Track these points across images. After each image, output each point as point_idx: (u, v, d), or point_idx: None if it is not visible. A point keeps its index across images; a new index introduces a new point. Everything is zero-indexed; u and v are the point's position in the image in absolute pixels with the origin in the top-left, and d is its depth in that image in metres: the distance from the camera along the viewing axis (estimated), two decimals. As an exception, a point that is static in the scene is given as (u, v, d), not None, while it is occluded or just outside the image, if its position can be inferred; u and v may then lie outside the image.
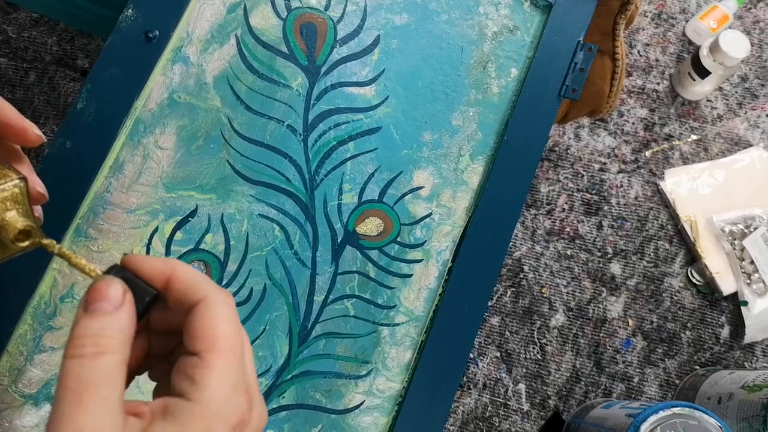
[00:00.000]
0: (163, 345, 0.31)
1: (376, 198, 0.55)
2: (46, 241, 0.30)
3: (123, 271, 0.29)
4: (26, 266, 0.47)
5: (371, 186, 0.55)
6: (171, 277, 0.29)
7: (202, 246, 0.51)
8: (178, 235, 0.51)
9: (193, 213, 0.51)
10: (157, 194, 0.51)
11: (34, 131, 0.32)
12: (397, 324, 0.54)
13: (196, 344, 0.27)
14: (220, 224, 0.51)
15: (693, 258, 0.85)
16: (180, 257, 0.50)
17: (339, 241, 0.54)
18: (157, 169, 0.51)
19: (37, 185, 0.32)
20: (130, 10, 0.50)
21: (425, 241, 0.56)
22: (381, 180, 0.55)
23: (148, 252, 0.50)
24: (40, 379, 0.47)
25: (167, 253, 0.50)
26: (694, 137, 0.89)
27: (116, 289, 0.27)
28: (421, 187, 0.56)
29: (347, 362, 0.53)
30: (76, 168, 0.48)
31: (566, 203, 0.85)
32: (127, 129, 0.50)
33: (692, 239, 0.84)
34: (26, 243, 0.30)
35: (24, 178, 0.31)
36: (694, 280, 0.84)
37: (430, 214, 0.56)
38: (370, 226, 0.55)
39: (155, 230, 0.50)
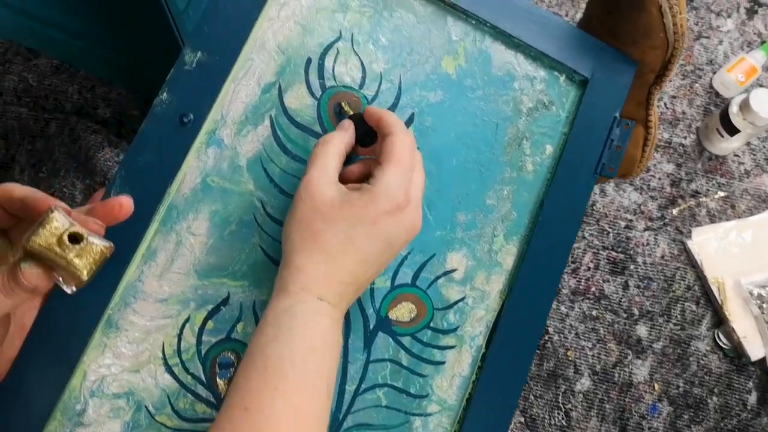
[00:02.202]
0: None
1: (409, 282, 0.54)
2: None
3: (361, 116, 0.50)
4: (57, 359, 0.46)
5: (404, 269, 0.54)
6: (380, 119, 0.48)
7: (234, 335, 0.50)
8: (210, 324, 0.49)
9: (225, 301, 0.50)
10: (189, 282, 0.50)
11: (120, 203, 0.43)
12: (430, 414, 0.53)
13: (382, 158, 0.46)
14: (252, 312, 0.50)
15: (720, 320, 0.84)
16: (210, 348, 0.49)
17: (371, 327, 0.53)
18: (190, 256, 0.50)
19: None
20: (165, 94, 0.50)
21: (458, 327, 0.54)
22: (414, 263, 0.54)
23: (179, 343, 0.49)
24: (68, 476, 0.46)
25: (198, 344, 0.49)
26: (721, 194, 0.88)
27: (347, 122, 0.50)
28: (455, 270, 0.55)
29: (378, 452, 0.52)
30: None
31: (591, 262, 0.84)
32: (160, 215, 0.49)
33: (719, 302, 0.83)
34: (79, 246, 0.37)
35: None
36: (721, 344, 0.83)
37: (464, 297, 0.55)
38: (403, 311, 0.54)
39: (187, 320, 0.49)
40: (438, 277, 0.55)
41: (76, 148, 0.79)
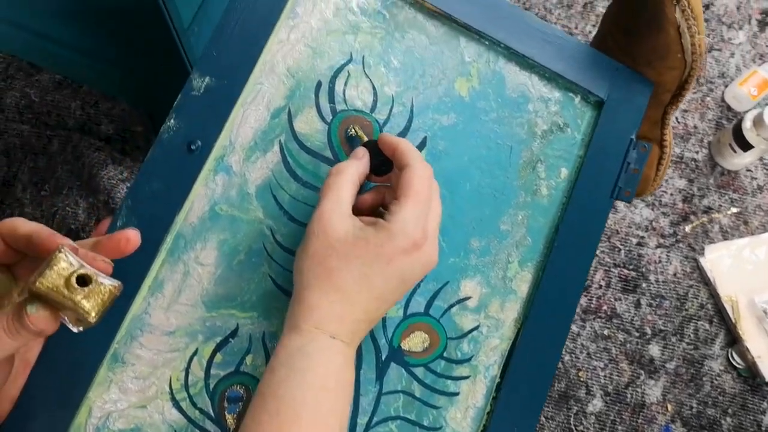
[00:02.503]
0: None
1: (422, 311, 0.53)
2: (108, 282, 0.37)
3: (375, 143, 0.48)
4: (61, 396, 0.45)
5: (417, 298, 0.53)
6: (395, 149, 0.46)
7: (243, 368, 0.48)
8: (218, 357, 0.48)
9: (233, 333, 0.49)
10: (197, 314, 0.48)
11: (127, 237, 0.40)
12: (444, 447, 0.52)
13: (398, 192, 0.44)
14: (261, 344, 0.49)
15: (734, 339, 0.83)
16: (219, 381, 0.48)
17: (384, 358, 0.51)
18: (198, 287, 0.48)
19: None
20: (172, 121, 0.48)
21: (473, 356, 0.53)
22: (427, 291, 0.53)
23: (186, 377, 0.47)
24: None
25: (206, 377, 0.48)
26: (734, 210, 0.87)
27: (362, 151, 0.48)
28: (469, 298, 0.54)
29: (391, 487, 0.50)
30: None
31: (603, 279, 0.82)
32: (167, 245, 0.48)
33: (733, 320, 0.81)
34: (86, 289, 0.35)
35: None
36: (734, 363, 0.81)
37: (478, 326, 0.54)
38: (416, 341, 0.52)
39: (194, 353, 0.48)
40: (451, 306, 0.53)
41: (79, 166, 0.78)
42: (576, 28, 0.92)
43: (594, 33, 0.94)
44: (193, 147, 0.48)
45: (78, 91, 0.82)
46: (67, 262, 0.35)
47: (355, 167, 0.46)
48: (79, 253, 0.38)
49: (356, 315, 0.43)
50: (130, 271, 0.46)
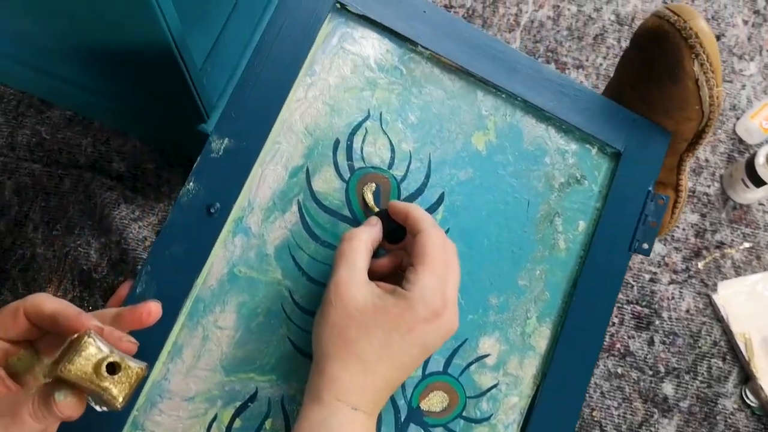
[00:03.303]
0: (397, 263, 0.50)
1: (441, 369, 0.52)
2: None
3: (387, 211, 0.48)
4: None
5: (436, 356, 0.52)
6: (407, 215, 0.47)
7: (262, 433, 0.48)
8: (237, 422, 0.48)
9: (252, 397, 0.48)
10: (216, 378, 0.48)
11: (149, 310, 0.40)
12: None
13: (414, 259, 0.44)
14: (280, 408, 0.49)
15: (747, 376, 0.82)
16: (239, 447, 0.48)
17: (402, 419, 0.51)
18: (217, 351, 0.48)
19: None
20: (191, 183, 0.48)
21: (491, 415, 0.53)
22: (446, 349, 0.53)
23: (206, 443, 0.47)
24: None
25: (226, 443, 0.48)
26: (747, 245, 0.86)
27: (374, 219, 0.48)
28: (487, 355, 0.53)
29: None
30: (134, 356, 0.46)
31: (616, 317, 0.82)
32: (186, 309, 0.48)
33: (746, 358, 0.81)
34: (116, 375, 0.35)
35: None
36: (748, 401, 0.81)
37: (497, 384, 0.53)
38: (435, 401, 0.52)
39: (214, 419, 0.47)
40: (470, 364, 0.53)
41: (91, 206, 0.77)
42: (587, 60, 0.92)
43: (604, 65, 0.94)
44: (212, 210, 0.48)
45: (89, 127, 0.82)
46: (95, 347, 0.35)
47: (368, 233, 0.46)
48: (105, 333, 0.37)
49: (378, 385, 0.43)
50: (150, 337, 0.46)
